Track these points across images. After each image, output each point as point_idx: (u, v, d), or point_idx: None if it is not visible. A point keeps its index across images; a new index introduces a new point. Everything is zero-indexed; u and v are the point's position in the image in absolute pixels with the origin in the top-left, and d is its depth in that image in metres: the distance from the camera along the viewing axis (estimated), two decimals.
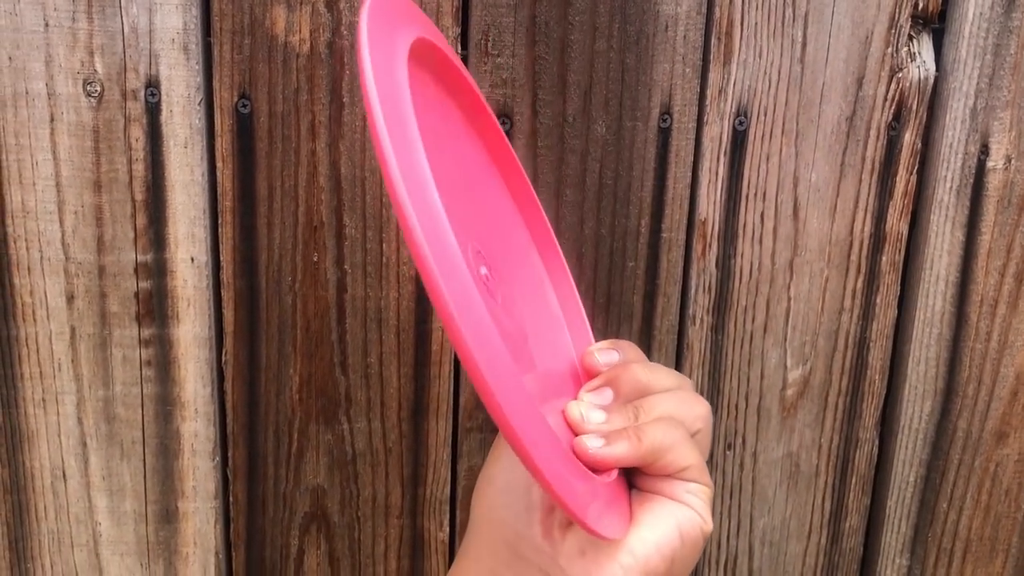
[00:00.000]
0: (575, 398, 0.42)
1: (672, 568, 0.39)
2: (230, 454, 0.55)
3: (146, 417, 0.54)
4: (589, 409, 0.40)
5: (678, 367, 0.57)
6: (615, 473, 0.39)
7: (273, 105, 0.50)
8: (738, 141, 0.54)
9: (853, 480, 0.61)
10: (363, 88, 0.31)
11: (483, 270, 0.38)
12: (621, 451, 0.38)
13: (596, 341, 0.46)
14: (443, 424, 0.56)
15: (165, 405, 0.54)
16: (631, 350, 0.44)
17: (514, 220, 0.47)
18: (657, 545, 0.38)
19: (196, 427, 0.54)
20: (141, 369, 0.53)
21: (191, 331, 0.53)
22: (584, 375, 0.44)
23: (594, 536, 0.36)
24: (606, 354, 0.44)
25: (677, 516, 0.39)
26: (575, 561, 0.38)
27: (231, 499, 0.56)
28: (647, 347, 0.56)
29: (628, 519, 0.39)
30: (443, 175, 0.37)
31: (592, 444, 0.38)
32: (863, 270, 0.57)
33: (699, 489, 0.40)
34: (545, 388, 0.41)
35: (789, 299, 0.57)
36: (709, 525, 0.40)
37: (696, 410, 0.42)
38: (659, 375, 0.43)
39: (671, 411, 0.41)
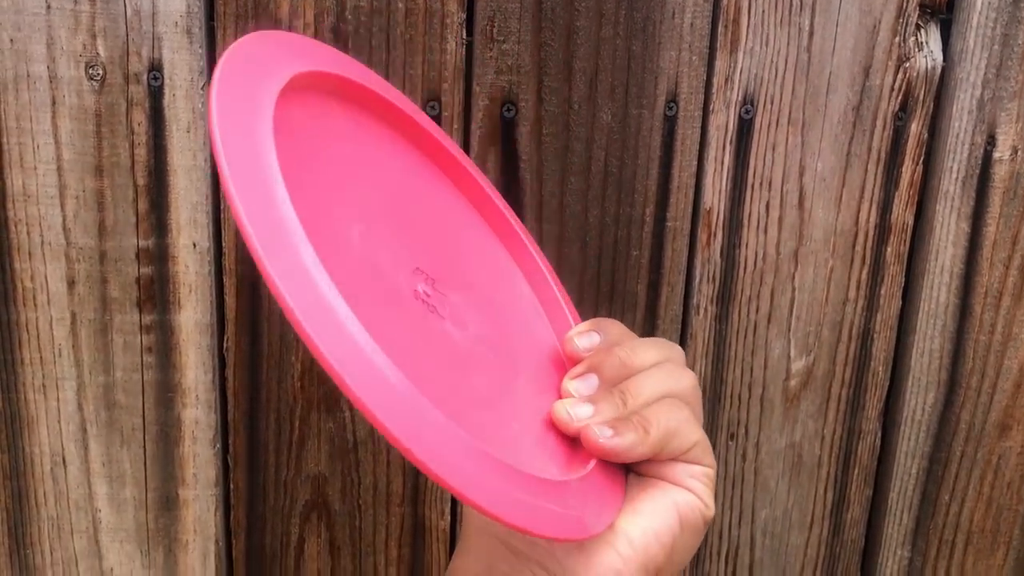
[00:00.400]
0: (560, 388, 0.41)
1: (672, 555, 0.38)
2: (231, 441, 0.55)
3: (147, 404, 0.53)
4: (575, 405, 0.39)
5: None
6: (593, 462, 0.38)
7: None
8: (744, 130, 0.53)
9: (855, 471, 0.61)
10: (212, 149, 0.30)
11: (420, 287, 0.37)
12: (630, 442, 0.37)
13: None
14: None
15: (166, 392, 0.53)
16: (613, 327, 0.43)
17: (470, 221, 0.46)
18: (656, 534, 0.38)
19: (197, 414, 0.54)
20: (142, 355, 0.53)
21: (192, 317, 0.52)
22: (568, 362, 0.43)
23: (580, 541, 0.35)
24: (586, 338, 0.42)
25: (678, 502, 0.38)
26: (572, 554, 0.37)
27: (231, 487, 0.56)
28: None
29: (617, 502, 0.38)
30: (351, 208, 0.37)
31: (603, 434, 0.37)
32: (868, 261, 0.57)
33: (702, 472, 0.39)
34: (531, 387, 0.40)
35: (793, 289, 0.57)
36: (711, 510, 0.39)
37: (683, 382, 0.40)
38: (643, 352, 0.41)
39: (661, 389, 0.39)
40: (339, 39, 0.49)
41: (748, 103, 0.53)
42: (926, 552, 0.62)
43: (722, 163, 0.54)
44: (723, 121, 0.53)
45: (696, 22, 0.51)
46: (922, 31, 0.54)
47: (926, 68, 0.54)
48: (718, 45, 0.52)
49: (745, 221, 0.55)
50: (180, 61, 0.49)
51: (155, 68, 0.49)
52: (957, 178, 0.56)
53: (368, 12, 0.49)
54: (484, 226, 0.46)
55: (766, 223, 0.55)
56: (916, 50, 0.54)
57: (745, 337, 0.57)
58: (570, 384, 0.41)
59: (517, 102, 0.52)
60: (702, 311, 0.56)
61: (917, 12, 0.53)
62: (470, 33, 0.51)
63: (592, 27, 0.51)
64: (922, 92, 0.55)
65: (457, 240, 0.44)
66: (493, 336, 0.41)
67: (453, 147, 0.46)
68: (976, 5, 0.53)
